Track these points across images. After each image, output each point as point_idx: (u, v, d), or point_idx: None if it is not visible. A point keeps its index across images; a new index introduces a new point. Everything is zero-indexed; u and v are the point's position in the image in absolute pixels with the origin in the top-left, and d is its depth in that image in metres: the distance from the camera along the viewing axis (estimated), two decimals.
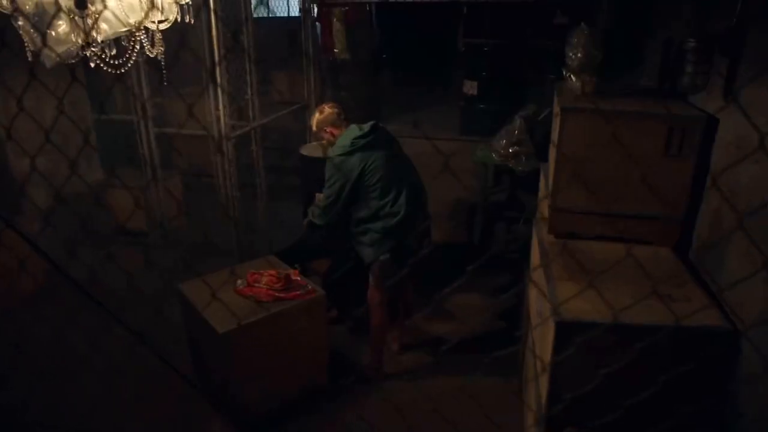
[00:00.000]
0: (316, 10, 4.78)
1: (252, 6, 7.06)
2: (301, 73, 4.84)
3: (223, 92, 3.68)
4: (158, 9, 2.24)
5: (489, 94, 4.53)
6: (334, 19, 4.63)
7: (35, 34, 2.19)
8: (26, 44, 2.21)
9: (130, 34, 2.23)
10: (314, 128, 3.39)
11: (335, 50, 4.76)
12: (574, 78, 2.65)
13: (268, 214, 4.62)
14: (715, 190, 2.24)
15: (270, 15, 7.15)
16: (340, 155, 3.06)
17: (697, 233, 2.40)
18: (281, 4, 6.72)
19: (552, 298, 2.11)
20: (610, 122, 2.32)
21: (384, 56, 5.34)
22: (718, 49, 2.15)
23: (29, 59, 2.25)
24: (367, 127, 3.14)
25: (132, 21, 2.22)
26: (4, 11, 2.17)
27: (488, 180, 4.47)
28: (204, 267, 3.87)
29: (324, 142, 3.48)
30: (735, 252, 2.04)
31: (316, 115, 3.34)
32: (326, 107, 3.34)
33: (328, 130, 3.28)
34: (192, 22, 2.48)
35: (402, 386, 3.29)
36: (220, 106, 3.73)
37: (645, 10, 3.37)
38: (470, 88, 4.73)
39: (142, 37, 2.28)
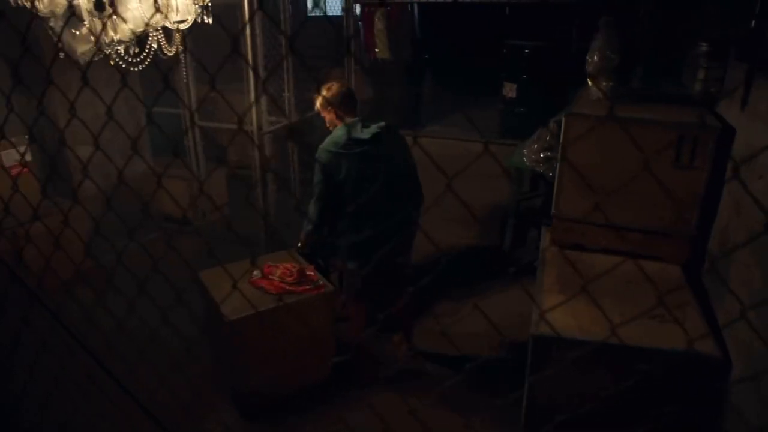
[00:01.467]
0: (358, 9, 4.86)
1: (307, 5, 7.26)
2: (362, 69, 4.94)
3: (256, 88, 3.81)
4: (174, 10, 2.37)
5: (528, 96, 4.40)
6: (376, 19, 4.67)
7: (65, 34, 2.38)
8: (57, 43, 2.40)
9: (146, 34, 2.37)
10: (317, 105, 3.06)
11: (376, 50, 4.80)
12: (590, 82, 2.55)
13: (300, 208, 4.73)
14: (727, 206, 2.09)
15: (325, 14, 7.31)
16: (328, 151, 2.83)
17: (709, 252, 2.24)
18: (336, 4, 6.85)
19: (535, 310, 2.05)
20: (614, 129, 2.22)
21: (425, 57, 5.32)
22: (735, 54, 1.99)
23: (60, 56, 2.44)
24: (371, 131, 2.85)
25: (150, 21, 2.36)
26: (42, 14, 2.37)
27: (522, 185, 4.36)
28: (235, 257, 4.02)
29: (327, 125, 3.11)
30: (736, 277, 1.89)
31: (323, 91, 2.99)
32: (335, 85, 2.97)
33: (330, 110, 2.95)
34: (210, 22, 2.60)
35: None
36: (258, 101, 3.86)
37: (688, 12, 3.16)
38: (509, 90, 4.62)
39: (159, 37, 2.41)
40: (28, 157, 3.69)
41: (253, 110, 3.81)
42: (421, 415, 2.13)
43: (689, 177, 2.16)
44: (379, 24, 4.66)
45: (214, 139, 5.15)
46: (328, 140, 2.89)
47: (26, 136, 3.67)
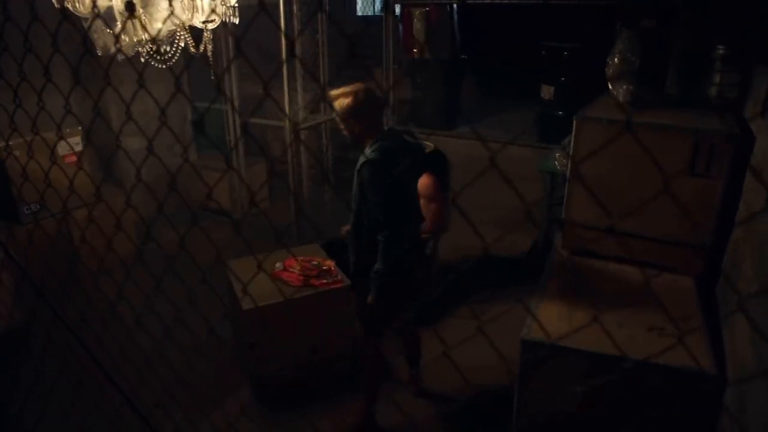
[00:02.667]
0: (398, 9, 4.89)
1: (357, 5, 7.36)
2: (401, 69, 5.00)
3: (290, 85, 3.92)
4: (200, 10, 2.49)
5: (566, 99, 4.27)
6: (415, 20, 4.69)
7: (104, 33, 2.55)
8: (95, 41, 2.58)
9: (174, 33, 2.50)
10: (338, 114, 2.50)
11: (414, 50, 4.81)
12: (610, 86, 2.48)
13: (333, 203, 4.82)
14: (743, 218, 1.98)
15: (376, 13, 7.38)
16: (384, 167, 2.36)
17: (724, 265, 2.13)
18: (377, 4, 6.92)
19: (530, 314, 2.03)
20: (626, 134, 2.15)
21: (464, 57, 5.28)
22: (756, 57, 1.89)
23: (99, 54, 2.62)
24: (414, 143, 2.63)
25: (177, 21, 2.49)
26: (81, 15, 2.55)
27: (555, 189, 4.26)
28: (269, 249, 4.15)
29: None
30: (744, 292, 1.79)
31: (344, 99, 2.44)
32: (359, 89, 2.45)
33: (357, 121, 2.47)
34: (237, 22, 2.71)
35: None
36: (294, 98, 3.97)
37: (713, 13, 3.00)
38: (547, 92, 4.52)
39: (186, 36, 2.54)
40: (80, 147, 3.95)
41: (287, 107, 3.93)
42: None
43: (705, 186, 2.07)
44: (418, 24, 4.68)
45: (255, 135, 5.33)
46: (376, 154, 2.37)
47: (79, 127, 3.95)
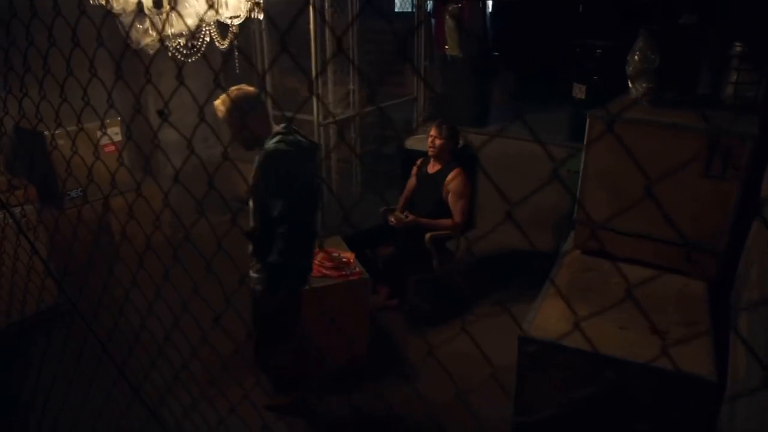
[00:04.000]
0: (430, 5, 4.88)
1: (396, 1, 7.38)
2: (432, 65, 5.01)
3: (318, 80, 3.99)
4: (224, 6, 2.58)
5: (598, 98, 4.14)
6: (447, 16, 4.68)
7: (134, 28, 2.68)
8: (126, 36, 2.71)
9: (198, 28, 2.60)
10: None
11: (446, 47, 4.80)
12: (630, 84, 2.43)
13: (360, 197, 4.87)
14: (758, 221, 1.91)
15: (413, 10, 7.37)
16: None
17: (738, 271, 2.06)
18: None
19: (531, 313, 2.02)
20: (639, 132, 2.10)
21: (495, 54, 5.23)
22: None
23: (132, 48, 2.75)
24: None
25: (204, 17, 2.59)
26: (115, 11, 2.68)
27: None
28: None
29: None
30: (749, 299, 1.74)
31: (226, 106, 2.47)
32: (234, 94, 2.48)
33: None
34: (260, 17, 2.79)
35: None
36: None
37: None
38: (579, 91, 4.42)
39: (211, 30, 2.64)
40: (119, 137, 4.14)
41: (314, 101, 4.01)
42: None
43: (720, 188, 2.01)
44: (450, 21, 4.67)
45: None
46: (282, 145, 2.43)
47: (118, 118, 4.14)
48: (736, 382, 1.48)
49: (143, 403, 1.64)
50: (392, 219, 3.67)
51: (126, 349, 1.56)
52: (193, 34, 2.76)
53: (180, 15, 2.55)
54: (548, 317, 1.97)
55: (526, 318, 1.96)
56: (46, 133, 3.52)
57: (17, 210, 3.09)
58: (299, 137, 2.50)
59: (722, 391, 1.62)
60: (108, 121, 4.09)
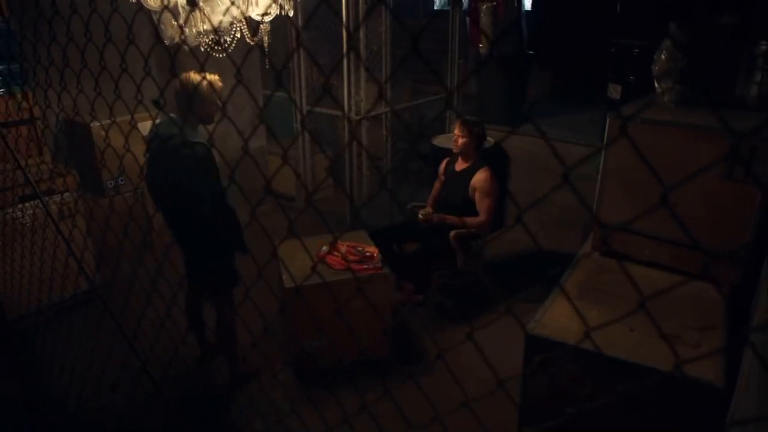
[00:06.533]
0: (466, 3, 4.87)
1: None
2: (466, 63, 5.00)
3: (354, 76, 4.05)
4: (254, 4, 2.67)
5: (634, 98, 4.04)
6: (482, 14, 4.64)
7: (170, 25, 2.80)
8: (163, 33, 2.83)
9: (231, 24, 2.70)
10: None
11: (480, 45, 4.77)
12: (656, 84, 2.38)
13: (388, 193, 4.91)
14: None
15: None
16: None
17: (762, 277, 2.00)
18: None
19: (540, 312, 2.02)
20: (659, 133, 2.06)
21: (530, 53, 5.15)
22: None
23: (167, 44, 2.87)
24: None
25: (235, 14, 2.68)
26: (151, 8, 2.81)
27: None
28: (323, 233, 4.35)
29: None
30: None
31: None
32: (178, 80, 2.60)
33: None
34: (291, 14, 2.86)
35: None
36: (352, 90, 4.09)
37: None
38: (614, 91, 4.31)
39: (242, 27, 2.73)
40: None
41: (345, 97, 4.07)
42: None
43: (743, 192, 1.95)
44: (484, 19, 4.64)
45: (323, 124, 5.52)
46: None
47: (157, 111, 4.32)
48: (743, 390, 1.45)
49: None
50: (420, 215, 3.71)
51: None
52: (227, 30, 2.86)
53: (208, 13, 2.65)
54: (558, 317, 1.96)
55: (534, 317, 1.96)
56: (92, 124, 3.73)
57: (57, 198, 3.28)
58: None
59: (730, 398, 1.58)
60: (145, 114, 4.28)
